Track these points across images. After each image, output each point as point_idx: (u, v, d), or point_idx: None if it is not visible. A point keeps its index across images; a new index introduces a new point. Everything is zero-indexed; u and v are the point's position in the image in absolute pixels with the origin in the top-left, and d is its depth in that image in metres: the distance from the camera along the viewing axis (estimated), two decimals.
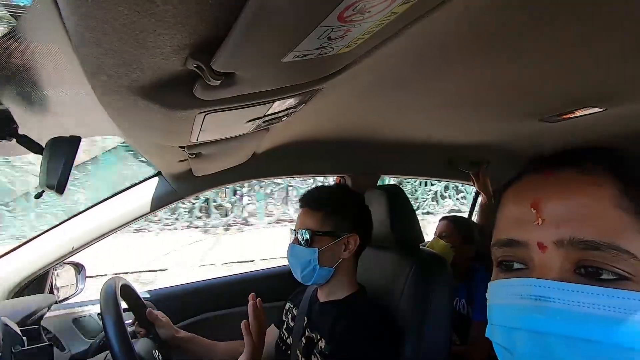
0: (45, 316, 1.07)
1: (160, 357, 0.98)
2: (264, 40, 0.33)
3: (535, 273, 0.32)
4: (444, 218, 1.69)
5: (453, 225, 1.62)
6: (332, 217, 0.98)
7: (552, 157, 0.36)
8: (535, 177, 0.36)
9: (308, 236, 0.96)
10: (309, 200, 1.03)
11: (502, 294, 0.34)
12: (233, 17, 0.33)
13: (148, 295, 1.40)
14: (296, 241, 0.99)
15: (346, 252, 0.99)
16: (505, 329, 0.33)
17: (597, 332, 0.28)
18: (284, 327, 1.10)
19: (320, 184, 5.12)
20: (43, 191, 0.57)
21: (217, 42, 0.37)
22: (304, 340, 0.98)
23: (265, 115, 0.73)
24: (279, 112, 0.75)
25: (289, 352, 1.02)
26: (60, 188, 0.53)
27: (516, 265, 0.34)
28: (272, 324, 1.19)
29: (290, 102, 0.70)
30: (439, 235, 1.61)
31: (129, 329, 0.86)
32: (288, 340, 1.05)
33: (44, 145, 0.55)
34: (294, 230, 1.02)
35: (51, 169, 0.52)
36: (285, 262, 1.09)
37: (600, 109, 1.02)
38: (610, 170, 0.33)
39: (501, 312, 0.34)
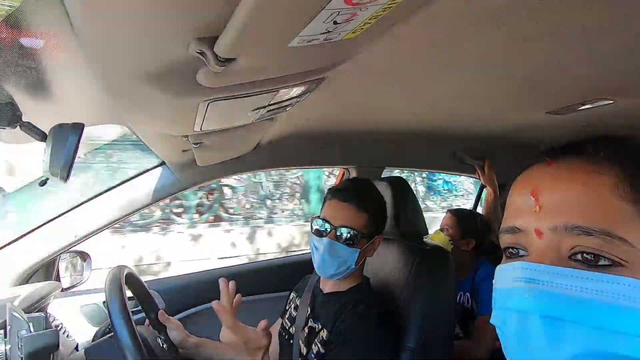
0: (51, 303, 1.08)
1: (164, 343, 0.99)
2: (268, 23, 0.32)
3: (533, 258, 0.34)
4: (448, 211, 1.68)
5: (455, 218, 1.62)
6: (373, 219, 0.96)
7: (556, 148, 0.37)
8: (538, 167, 0.37)
9: (354, 236, 0.92)
10: (353, 196, 0.96)
11: (501, 278, 0.36)
12: (237, 1, 0.32)
13: (153, 285, 1.41)
14: (334, 237, 0.93)
15: (373, 251, 0.99)
16: (501, 310, 0.35)
17: (581, 315, 0.29)
18: (287, 316, 1.11)
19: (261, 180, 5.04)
20: (47, 178, 0.57)
21: (220, 27, 0.36)
22: (306, 330, 0.99)
23: (269, 105, 0.73)
24: (283, 101, 0.74)
25: (292, 341, 1.03)
26: (64, 175, 0.53)
27: (521, 252, 0.36)
28: (279, 317, 1.18)
29: (295, 91, 0.70)
30: (441, 228, 1.61)
31: (134, 317, 0.87)
32: (291, 330, 1.05)
33: (47, 133, 0.56)
34: (327, 222, 0.94)
35: (55, 156, 0.52)
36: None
37: (610, 101, 1.00)
38: (611, 158, 0.33)
39: (499, 295, 0.36)
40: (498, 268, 0.37)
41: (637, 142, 0.35)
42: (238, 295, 0.90)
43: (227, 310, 0.87)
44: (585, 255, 0.31)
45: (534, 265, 0.32)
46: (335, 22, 0.34)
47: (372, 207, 0.97)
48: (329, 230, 0.94)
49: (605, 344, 0.29)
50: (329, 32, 0.37)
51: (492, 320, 0.36)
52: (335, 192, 0.99)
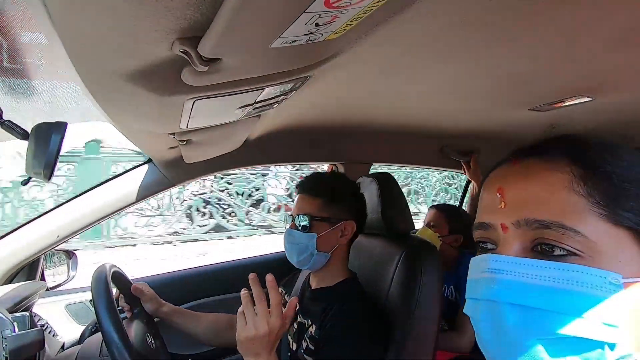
0: (36, 303, 1.07)
1: (153, 341, 0.99)
2: (250, 25, 0.33)
3: (499, 250, 0.36)
4: (433, 207, 1.69)
5: (441, 214, 1.62)
6: (330, 204, 0.99)
7: (521, 149, 0.40)
8: (506, 166, 0.40)
9: (307, 222, 0.97)
10: (307, 187, 1.03)
11: (472, 270, 0.38)
12: (219, 1, 0.32)
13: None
14: (294, 226, 1.00)
15: (343, 238, 1.00)
16: (471, 300, 0.37)
17: (540, 300, 0.32)
18: None
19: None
20: (30, 177, 0.57)
21: (204, 27, 0.36)
22: (295, 325, 1.00)
23: (255, 102, 0.73)
24: (270, 98, 0.74)
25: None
26: (47, 174, 0.53)
27: (490, 246, 0.38)
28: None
29: (280, 89, 0.70)
30: (427, 224, 1.62)
31: (121, 315, 0.86)
32: None
33: (29, 131, 0.55)
34: (291, 215, 1.02)
35: (37, 155, 0.51)
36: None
37: (589, 98, 1.03)
38: (568, 156, 0.36)
39: (470, 286, 0.38)
40: (472, 260, 0.39)
41: (591, 140, 0.37)
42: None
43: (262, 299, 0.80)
44: (543, 246, 0.34)
45: (497, 256, 0.35)
46: (317, 24, 0.35)
47: (326, 192, 1.01)
48: (290, 221, 1.02)
49: (564, 328, 0.31)
50: (311, 33, 0.37)
51: (464, 310, 0.38)
52: (296, 187, 1.07)
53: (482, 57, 0.76)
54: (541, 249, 0.34)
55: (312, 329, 0.94)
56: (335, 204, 1.00)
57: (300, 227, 0.98)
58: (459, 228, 1.58)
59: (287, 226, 1.03)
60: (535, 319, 0.32)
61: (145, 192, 1.28)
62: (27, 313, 0.72)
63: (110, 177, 1.28)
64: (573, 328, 0.31)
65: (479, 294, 0.35)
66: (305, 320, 0.98)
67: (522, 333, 0.32)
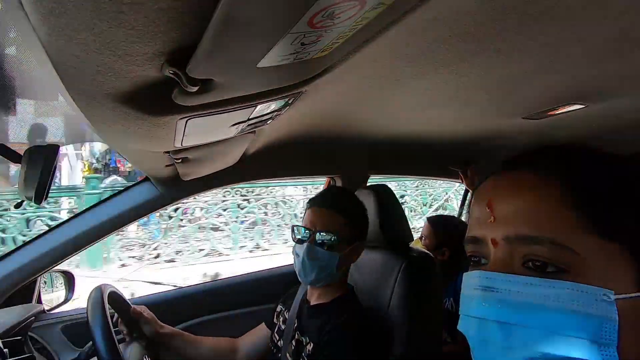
0: (33, 326, 1.05)
1: None
2: (235, 46, 0.33)
3: (489, 267, 0.35)
4: (428, 219, 1.69)
5: (430, 226, 1.62)
6: (352, 223, 0.97)
7: (510, 161, 0.39)
8: (495, 178, 0.39)
9: (333, 240, 0.93)
10: (332, 202, 0.98)
11: (465, 286, 0.38)
12: (205, 24, 0.33)
13: (139, 302, 1.38)
14: (313, 242, 0.94)
15: (355, 258, 0.99)
16: (464, 317, 0.37)
17: (530, 319, 0.31)
18: (276, 329, 1.10)
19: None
20: (23, 201, 0.56)
21: (191, 50, 0.37)
22: (293, 343, 0.98)
23: (249, 119, 0.73)
24: (263, 115, 0.75)
25: (280, 354, 1.02)
26: (38, 198, 0.52)
27: (482, 261, 0.37)
28: (263, 323, 1.19)
29: (274, 105, 0.70)
30: (420, 236, 1.62)
31: (118, 337, 0.85)
32: (279, 343, 1.05)
33: (22, 154, 0.55)
34: (308, 229, 0.96)
35: (29, 178, 0.51)
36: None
37: (582, 106, 1.03)
38: (557, 169, 0.35)
39: (463, 302, 0.37)
40: (464, 275, 0.39)
41: (581, 151, 0.37)
42: None
43: None
44: (534, 262, 0.33)
45: (489, 273, 0.34)
46: (302, 44, 0.35)
47: (350, 212, 0.98)
48: (309, 235, 0.95)
49: (554, 347, 0.30)
50: (297, 52, 0.38)
51: (458, 327, 0.38)
52: (314, 200, 1.01)
53: (474, 68, 0.77)
54: (533, 265, 0.33)
55: (310, 347, 0.93)
56: (356, 224, 0.99)
57: (324, 245, 0.93)
58: (447, 241, 1.57)
59: (299, 237, 0.97)
60: (526, 338, 0.31)
61: (143, 210, 1.28)
62: (19, 338, 0.71)
63: (108, 196, 1.27)
64: (565, 348, 0.30)
65: (470, 311, 0.35)
66: (303, 338, 0.97)
67: (512, 352, 0.31)
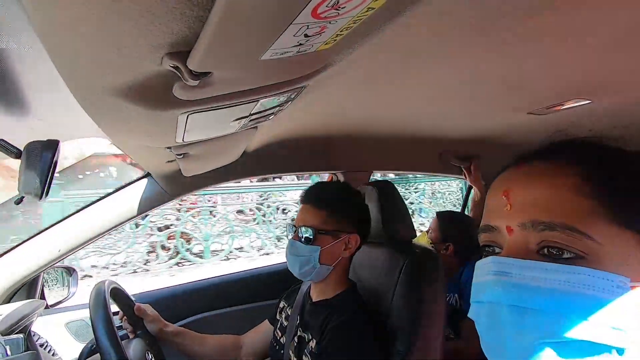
0: (35, 322, 1.05)
1: (152, 359, 0.97)
2: (237, 38, 0.32)
3: (504, 253, 0.36)
4: (437, 213, 1.70)
5: (437, 221, 1.64)
6: (335, 216, 0.97)
7: (528, 152, 0.40)
8: (512, 169, 0.39)
9: (310, 234, 0.95)
10: (312, 197, 1.01)
11: (477, 274, 0.38)
12: (206, 15, 0.32)
13: (141, 298, 1.39)
14: (297, 237, 0.98)
15: (346, 251, 0.99)
16: (475, 304, 0.37)
17: (545, 303, 0.31)
18: (278, 326, 1.10)
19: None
20: (23, 197, 0.56)
21: (192, 42, 0.36)
22: (296, 339, 0.98)
23: (251, 114, 0.72)
24: (265, 110, 0.74)
25: (282, 351, 1.02)
26: (39, 193, 0.52)
27: (496, 250, 0.38)
28: (266, 320, 1.19)
29: (276, 100, 0.70)
30: (427, 230, 1.63)
31: (120, 332, 0.85)
32: (282, 340, 1.05)
33: (22, 150, 0.54)
34: (293, 225, 1.01)
35: (29, 174, 0.51)
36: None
37: (587, 101, 1.02)
38: (573, 160, 0.35)
39: (474, 290, 0.37)
40: (476, 264, 0.39)
41: (597, 144, 0.37)
42: None
43: None
44: (550, 249, 0.33)
45: (503, 259, 0.34)
46: (306, 35, 0.34)
47: (334, 205, 0.99)
48: (292, 231, 1.00)
49: (571, 331, 0.30)
50: (301, 44, 0.37)
51: (469, 314, 0.38)
52: (301, 197, 1.04)
53: (479, 62, 0.76)
54: (548, 252, 0.33)
55: (312, 344, 0.92)
56: (340, 216, 0.98)
57: (303, 239, 0.96)
58: (452, 236, 1.58)
59: (290, 236, 1.01)
60: (538, 322, 0.31)
61: (145, 206, 1.27)
62: (21, 335, 0.71)
63: (109, 192, 1.27)
64: (580, 331, 0.30)
65: (484, 297, 0.35)
66: (305, 334, 0.96)
67: (524, 336, 0.31)
